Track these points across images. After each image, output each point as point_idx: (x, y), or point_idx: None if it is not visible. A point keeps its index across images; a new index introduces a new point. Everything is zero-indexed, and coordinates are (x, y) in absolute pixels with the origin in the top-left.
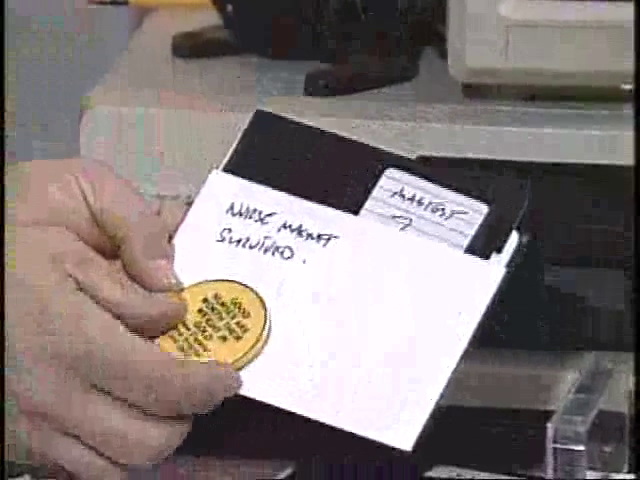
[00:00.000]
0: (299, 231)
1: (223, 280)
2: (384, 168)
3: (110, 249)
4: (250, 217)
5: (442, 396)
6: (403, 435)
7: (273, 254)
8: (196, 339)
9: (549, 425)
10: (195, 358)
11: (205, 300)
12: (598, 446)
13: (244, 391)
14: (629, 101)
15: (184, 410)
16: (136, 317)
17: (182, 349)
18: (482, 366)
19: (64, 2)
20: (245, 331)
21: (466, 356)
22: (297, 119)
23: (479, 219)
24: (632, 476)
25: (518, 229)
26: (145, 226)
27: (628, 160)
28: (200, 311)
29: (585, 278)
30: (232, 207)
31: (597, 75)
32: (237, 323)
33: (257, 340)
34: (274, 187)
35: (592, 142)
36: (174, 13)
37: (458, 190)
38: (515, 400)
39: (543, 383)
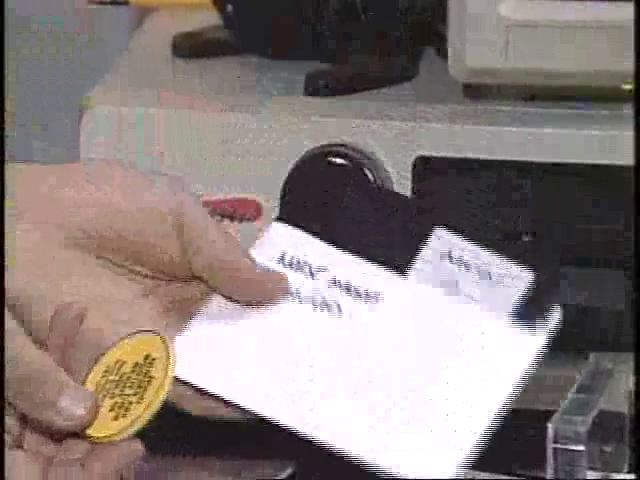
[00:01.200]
0: (347, 288)
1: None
2: (433, 227)
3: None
4: (301, 270)
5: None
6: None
7: (322, 310)
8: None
9: (549, 425)
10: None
11: (122, 364)
12: (598, 446)
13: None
14: (629, 101)
15: None
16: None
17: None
18: None
19: (64, 2)
20: (150, 381)
21: (498, 418)
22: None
23: (523, 287)
24: (632, 476)
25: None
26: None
27: (628, 160)
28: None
29: (585, 278)
30: (283, 258)
31: (597, 75)
32: (145, 373)
33: (161, 386)
34: (325, 238)
35: (592, 142)
36: (174, 13)
37: (502, 255)
38: (515, 400)
39: (543, 383)
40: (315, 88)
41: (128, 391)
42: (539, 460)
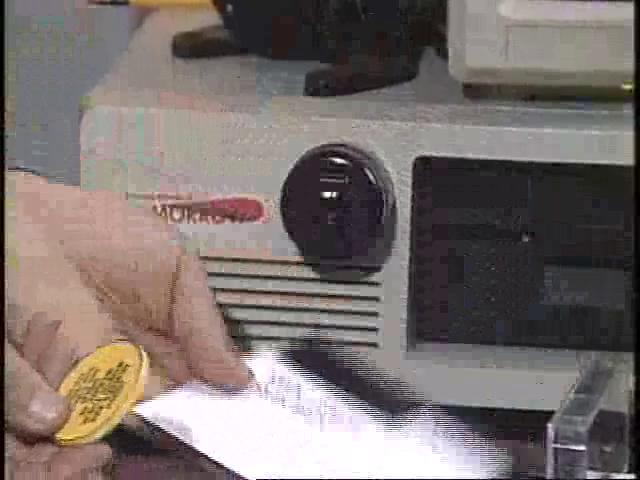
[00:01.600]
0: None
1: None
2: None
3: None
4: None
5: None
6: None
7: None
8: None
9: (549, 425)
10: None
11: (97, 371)
12: (598, 446)
13: None
14: (629, 101)
15: None
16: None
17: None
18: (482, 366)
19: (64, 2)
20: (122, 385)
21: None
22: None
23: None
24: (632, 476)
25: None
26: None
27: (628, 160)
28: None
29: (585, 278)
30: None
31: (597, 75)
32: (118, 379)
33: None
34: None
35: (592, 142)
36: (174, 13)
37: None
38: (515, 400)
39: (543, 383)
40: (315, 88)
41: (100, 396)
42: (539, 460)
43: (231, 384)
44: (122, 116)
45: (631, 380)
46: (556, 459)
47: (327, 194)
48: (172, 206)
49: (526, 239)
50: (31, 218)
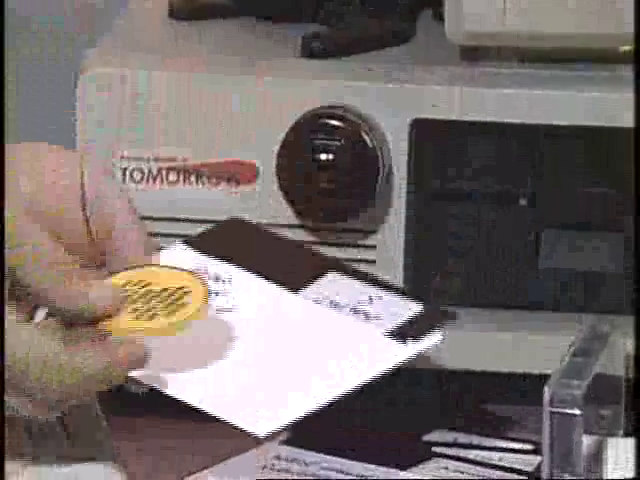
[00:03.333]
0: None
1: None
2: (324, 272)
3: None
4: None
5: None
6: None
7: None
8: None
9: (546, 389)
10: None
11: (148, 284)
12: (594, 410)
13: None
14: (628, 63)
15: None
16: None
17: (136, 318)
18: (479, 330)
19: (64, 2)
20: (183, 305)
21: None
22: None
23: (408, 314)
24: (628, 439)
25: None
26: (139, 223)
27: (627, 122)
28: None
29: (583, 242)
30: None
31: (595, 37)
32: (178, 298)
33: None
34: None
35: (590, 104)
36: None
37: (395, 291)
38: (512, 364)
39: (540, 346)
40: (312, 50)
41: (154, 303)
42: (536, 423)
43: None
44: (119, 79)
45: (628, 343)
46: (552, 422)
47: (323, 156)
48: (168, 169)
49: (524, 202)
50: None
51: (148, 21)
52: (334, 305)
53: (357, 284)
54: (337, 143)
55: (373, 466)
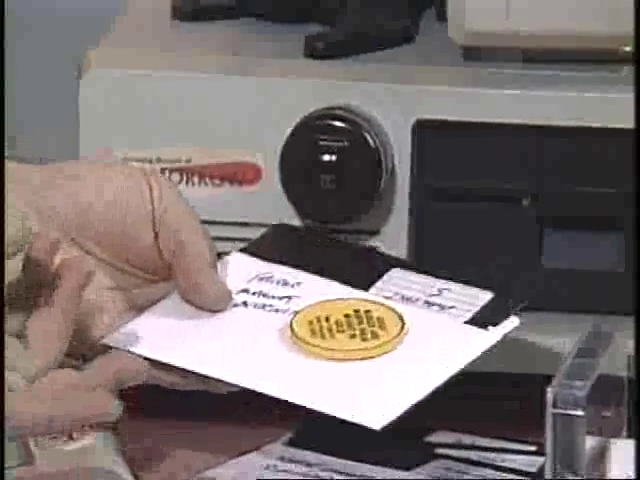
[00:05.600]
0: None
1: (377, 302)
2: (387, 269)
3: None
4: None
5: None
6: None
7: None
8: (329, 329)
9: (549, 390)
10: (320, 339)
11: (357, 311)
12: (597, 411)
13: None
14: (629, 63)
15: None
16: None
17: (315, 332)
18: None
19: (65, 2)
20: (374, 338)
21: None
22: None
23: (481, 302)
24: (630, 441)
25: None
26: (206, 235)
27: (628, 123)
28: (346, 316)
29: (585, 241)
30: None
31: (598, 37)
32: (372, 331)
33: (378, 346)
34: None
35: (592, 104)
36: None
37: (460, 281)
38: (515, 365)
39: (543, 347)
40: (315, 51)
41: (362, 325)
42: (539, 425)
43: (208, 305)
44: (121, 79)
45: (630, 344)
46: (555, 423)
47: (326, 157)
48: (171, 170)
49: (526, 202)
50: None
51: (151, 21)
52: (406, 300)
53: (422, 278)
54: (340, 144)
55: (376, 467)
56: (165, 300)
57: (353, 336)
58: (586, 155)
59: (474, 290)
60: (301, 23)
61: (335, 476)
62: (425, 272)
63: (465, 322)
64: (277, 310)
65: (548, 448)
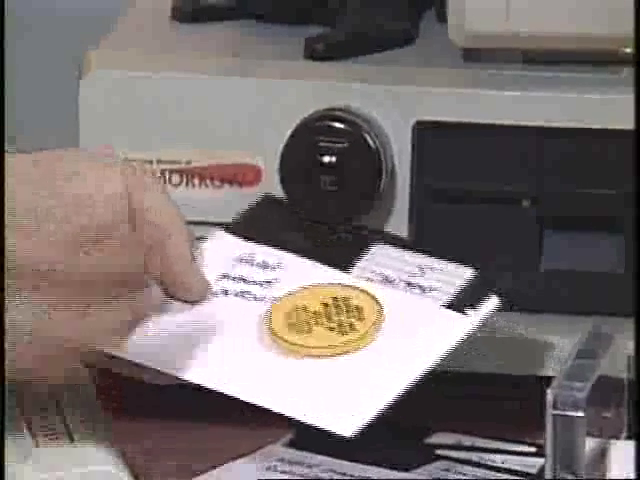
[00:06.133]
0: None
1: (356, 288)
2: (371, 245)
3: None
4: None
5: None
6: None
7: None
8: (307, 322)
9: (549, 391)
10: (297, 335)
11: (335, 299)
12: (597, 412)
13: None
14: (629, 65)
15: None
16: None
17: (293, 325)
18: (482, 332)
19: (66, 3)
20: (352, 330)
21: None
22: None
23: (461, 281)
24: (630, 442)
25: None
26: (186, 231)
27: (628, 124)
28: (324, 305)
29: (585, 243)
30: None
31: (597, 39)
32: (350, 324)
33: (356, 340)
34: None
35: (592, 106)
36: None
37: (442, 257)
38: (515, 366)
39: (543, 349)
40: (315, 52)
41: (340, 317)
42: (539, 426)
43: (190, 298)
44: (121, 80)
45: (631, 345)
46: (555, 425)
47: (326, 158)
48: (171, 171)
49: (526, 203)
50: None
51: (151, 23)
52: (388, 281)
53: (404, 254)
54: (340, 145)
55: (376, 468)
56: None
57: (331, 329)
58: (586, 156)
59: (455, 267)
60: (301, 24)
61: (335, 477)
62: (408, 247)
63: (444, 305)
64: (256, 298)
65: (548, 449)
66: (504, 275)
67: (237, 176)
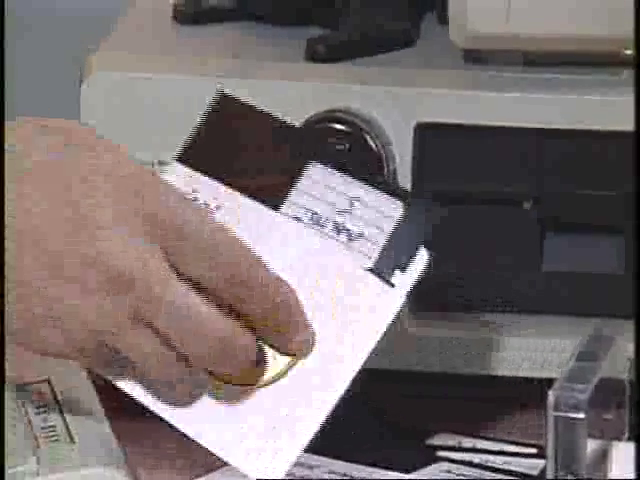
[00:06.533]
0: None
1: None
2: (307, 164)
3: None
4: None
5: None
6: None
7: None
8: None
9: (550, 392)
10: None
11: None
12: (599, 414)
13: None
14: (629, 66)
15: None
16: None
17: None
18: (481, 333)
19: (67, 4)
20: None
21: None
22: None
23: (390, 224)
24: (631, 444)
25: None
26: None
27: (628, 126)
28: None
29: (586, 244)
30: None
31: (598, 40)
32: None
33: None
34: (218, 172)
35: (593, 108)
36: None
37: (375, 186)
38: (516, 367)
39: (544, 350)
40: (316, 54)
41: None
42: (540, 428)
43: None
44: (122, 82)
45: (631, 347)
46: (556, 426)
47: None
48: None
49: (527, 205)
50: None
51: (152, 24)
52: (316, 221)
53: (338, 180)
54: (342, 147)
55: (376, 470)
56: None
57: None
58: (587, 157)
59: (386, 200)
60: (301, 26)
61: (336, 477)
62: (343, 169)
63: (371, 268)
64: None
65: (549, 451)
66: (505, 276)
67: None
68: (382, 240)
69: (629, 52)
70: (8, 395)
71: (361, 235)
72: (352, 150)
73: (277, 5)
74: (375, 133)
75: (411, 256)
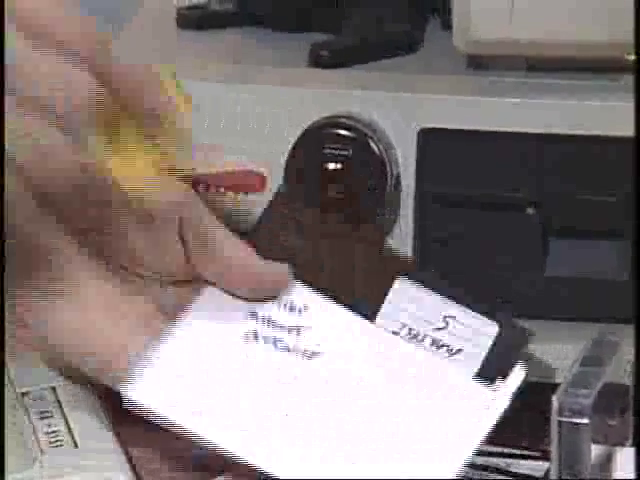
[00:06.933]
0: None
1: None
2: (392, 279)
3: None
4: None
5: None
6: None
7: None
8: None
9: (554, 398)
10: None
11: None
12: (603, 419)
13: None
14: (629, 72)
15: None
16: None
17: None
18: None
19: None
20: None
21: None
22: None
23: (489, 341)
24: (633, 449)
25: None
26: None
27: (628, 131)
28: None
29: (590, 250)
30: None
31: (601, 45)
32: None
33: None
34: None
35: (596, 113)
36: None
37: (470, 307)
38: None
39: (548, 355)
40: (319, 59)
41: None
42: (544, 433)
43: (267, 289)
44: None
45: (631, 352)
46: (560, 432)
47: (331, 166)
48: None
49: (531, 211)
50: None
51: (155, 30)
52: (413, 336)
53: (427, 296)
54: (345, 152)
55: None
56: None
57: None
58: (590, 163)
59: (480, 322)
60: (304, 31)
61: None
62: (429, 282)
63: (474, 378)
64: (289, 349)
65: (553, 456)
66: (507, 281)
67: (242, 184)
68: (482, 355)
69: (631, 57)
70: (12, 401)
71: (460, 351)
72: (356, 155)
73: (279, 10)
74: (378, 138)
75: (509, 370)
